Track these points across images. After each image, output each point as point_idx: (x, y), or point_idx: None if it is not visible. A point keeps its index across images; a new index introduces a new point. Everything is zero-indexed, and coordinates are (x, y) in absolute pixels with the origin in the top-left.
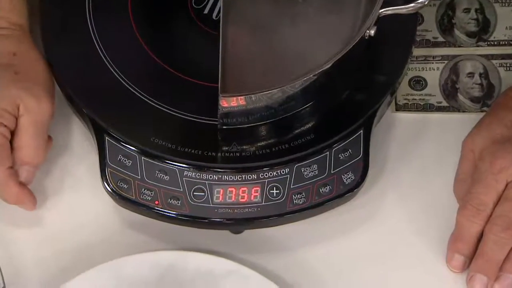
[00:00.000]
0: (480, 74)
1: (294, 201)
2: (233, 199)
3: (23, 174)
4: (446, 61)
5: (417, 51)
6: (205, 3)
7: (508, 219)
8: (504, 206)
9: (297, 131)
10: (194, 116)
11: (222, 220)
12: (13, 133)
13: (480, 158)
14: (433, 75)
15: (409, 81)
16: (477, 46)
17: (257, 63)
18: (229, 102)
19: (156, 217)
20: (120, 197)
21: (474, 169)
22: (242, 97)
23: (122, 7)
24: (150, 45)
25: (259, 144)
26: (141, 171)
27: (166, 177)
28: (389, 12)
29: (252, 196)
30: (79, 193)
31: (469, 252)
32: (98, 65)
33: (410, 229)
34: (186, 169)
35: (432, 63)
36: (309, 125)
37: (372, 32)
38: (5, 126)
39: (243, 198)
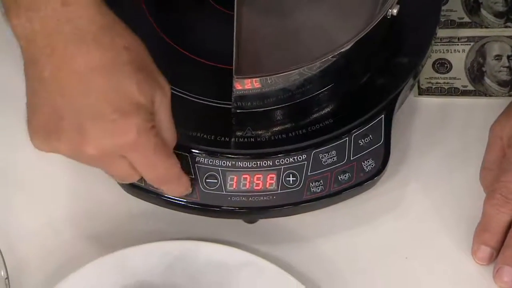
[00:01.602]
0: (508, 57)
1: (312, 189)
2: (247, 186)
3: None
4: (472, 43)
5: (441, 32)
6: None
7: None
8: None
9: (315, 116)
10: (207, 99)
11: (235, 208)
12: None
13: (509, 145)
14: (458, 57)
15: (433, 63)
16: (505, 27)
17: (273, 43)
18: (244, 85)
19: (166, 205)
20: (129, 184)
21: (502, 157)
22: (257, 79)
23: None
24: (161, 25)
25: (275, 129)
26: None
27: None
28: None
29: (267, 183)
30: (85, 179)
31: (496, 243)
32: None
33: (433, 219)
34: (198, 155)
35: (458, 44)
36: (328, 109)
37: (395, 11)
38: (153, 127)
39: (258, 186)
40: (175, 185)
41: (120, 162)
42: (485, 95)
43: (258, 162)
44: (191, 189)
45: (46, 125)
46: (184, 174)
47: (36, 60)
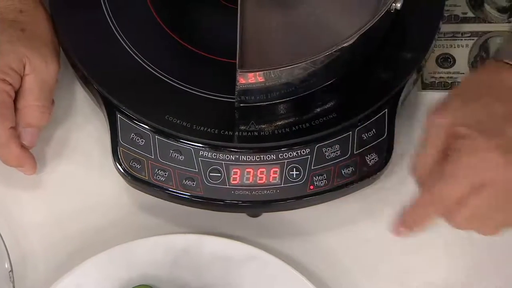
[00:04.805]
0: None
1: (315, 183)
2: (250, 180)
3: (26, 137)
4: (475, 38)
5: (445, 27)
6: None
7: None
8: None
9: (318, 110)
10: (211, 93)
11: (238, 202)
12: (17, 93)
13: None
14: (461, 52)
15: (437, 58)
16: (509, 22)
17: (277, 37)
18: (247, 79)
19: (170, 199)
20: (133, 177)
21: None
22: (260, 73)
23: None
24: (165, 19)
25: (278, 123)
26: (154, 150)
27: (181, 157)
28: None
29: (271, 177)
30: (88, 173)
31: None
32: (110, 39)
33: None
34: (201, 148)
35: (461, 39)
36: (331, 103)
37: (399, 5)
38: (10, 84)
39: (261, 180)
40: (3, 150)
41: None
42: None
43: (262, 156)
44: (27, 168)
45: None
46: (18, 145)
47: None
